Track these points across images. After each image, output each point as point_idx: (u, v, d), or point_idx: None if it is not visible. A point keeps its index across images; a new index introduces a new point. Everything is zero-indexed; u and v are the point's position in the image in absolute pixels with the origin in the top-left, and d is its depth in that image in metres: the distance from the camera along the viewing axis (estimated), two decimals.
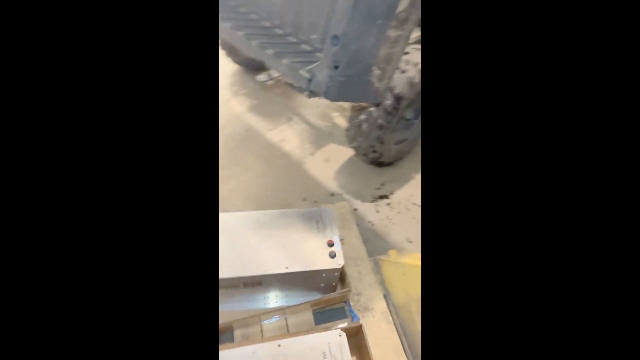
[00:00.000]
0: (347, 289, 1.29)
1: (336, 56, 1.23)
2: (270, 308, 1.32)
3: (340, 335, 1.06)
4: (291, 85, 1.45)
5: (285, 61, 1.40)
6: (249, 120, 2.20)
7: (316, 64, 1.30)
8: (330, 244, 1.24)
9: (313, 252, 1.22)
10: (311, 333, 1.06)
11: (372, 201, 1.85)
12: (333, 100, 1.36)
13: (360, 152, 1.87)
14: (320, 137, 2.15)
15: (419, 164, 2.04)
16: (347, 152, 2.03)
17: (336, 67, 1.24)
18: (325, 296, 1.29)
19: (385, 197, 1.87)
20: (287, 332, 1.29)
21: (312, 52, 1.44)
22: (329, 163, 2.02)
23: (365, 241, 1.70)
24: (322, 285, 1.32)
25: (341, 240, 1.30)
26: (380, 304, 1.38)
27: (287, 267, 1.19)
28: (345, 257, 1.50)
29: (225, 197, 1.79)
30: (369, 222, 1.78)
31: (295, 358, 0.98)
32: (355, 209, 1.82)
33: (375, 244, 1.69)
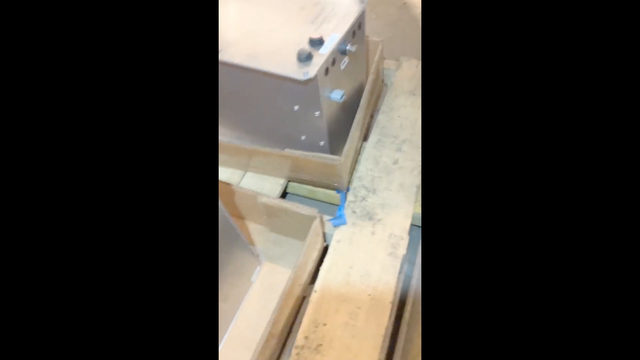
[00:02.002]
0: (336, 158, 0.65)
1: None
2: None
3: None
4: None
5: None
6: None
7: None
8: (316, 41, 0.61)
9: (282, 46, 0.62)
10: None
11: None
12: None
13: None
14: None
15: None
16: None
17: None
18: (301, 153, 0.69)
19: None
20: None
21: None
22: None
23: None
24: (302, 137, 0.71)
25: (348, 51, 0.64)
26: (400, 224, 0.69)
27: (231, 55, 0.63)
28: (388, 135, 0.82)
29: None
30: None
31: None
32: None
33: None
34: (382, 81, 0.96)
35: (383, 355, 0.58)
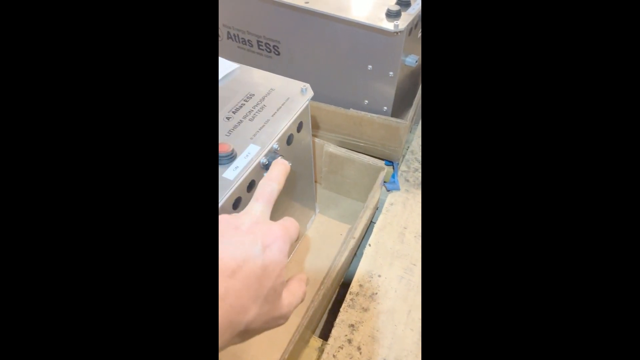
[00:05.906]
0: (401, 120, 0.67)
1: None
2: None
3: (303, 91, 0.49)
4: None
5: None
6: None
7: None
8: (404, 3, 0.64)
9: (371, 4, 0.65)
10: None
11: None
12: None
13: None
14: None
15: None
16: None
17: None
18: (365, 114, 0.70)
19: None
20: None
21: None
22: None
23: None
24: (366, 102, 0.73)
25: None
26: None
27: (306, 2, 0.65)
28: None
29: None
30: None
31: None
32: None
33: None
34: None
35: None
